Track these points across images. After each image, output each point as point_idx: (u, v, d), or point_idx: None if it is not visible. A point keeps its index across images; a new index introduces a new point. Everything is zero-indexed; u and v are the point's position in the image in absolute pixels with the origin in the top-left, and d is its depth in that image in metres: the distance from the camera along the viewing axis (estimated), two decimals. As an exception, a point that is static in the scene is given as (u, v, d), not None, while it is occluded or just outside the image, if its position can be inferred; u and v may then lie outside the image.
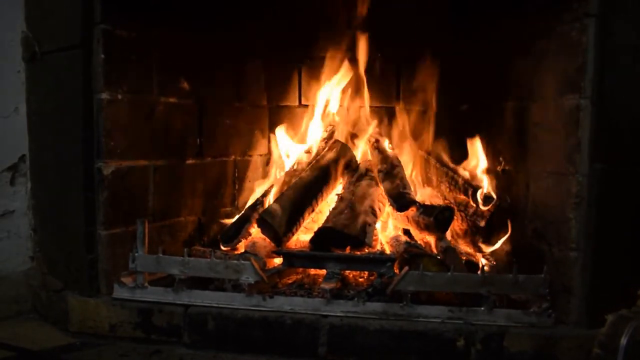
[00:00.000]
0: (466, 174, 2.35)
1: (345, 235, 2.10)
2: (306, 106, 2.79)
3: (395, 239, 2.25)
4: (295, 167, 2.55)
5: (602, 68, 1.69)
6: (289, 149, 2.69)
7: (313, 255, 2.06)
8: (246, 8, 2.35)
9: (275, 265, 2.12)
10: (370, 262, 1.97)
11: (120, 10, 1.92)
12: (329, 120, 2.71)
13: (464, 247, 2.25)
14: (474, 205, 2.23)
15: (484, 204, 2.16)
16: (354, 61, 2.63)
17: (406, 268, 1.83)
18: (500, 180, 2.22)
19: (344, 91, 2.70)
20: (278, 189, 2.44)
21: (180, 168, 2.25)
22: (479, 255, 2.15)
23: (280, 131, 2.70)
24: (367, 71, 2.66)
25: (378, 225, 2.34)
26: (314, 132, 2.69)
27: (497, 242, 2.12)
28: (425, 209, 2.20)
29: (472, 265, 2.08)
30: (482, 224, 2.15)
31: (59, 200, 2.08)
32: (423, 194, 2.49)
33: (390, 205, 2.27)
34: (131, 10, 1.95)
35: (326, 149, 2.52)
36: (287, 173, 2.53)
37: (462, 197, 2.30)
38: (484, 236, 2.15)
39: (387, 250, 2.19)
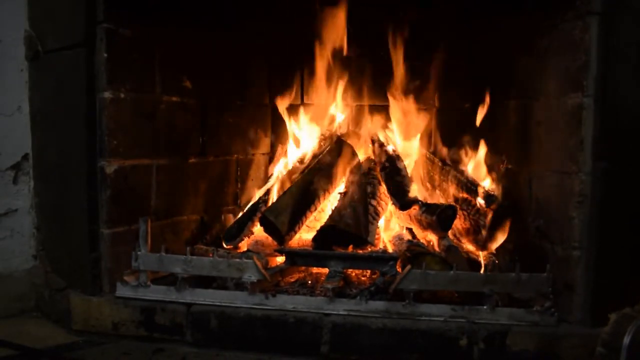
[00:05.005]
0: (469, 173, 2.35)
1: (348, 234, 2.10)
2: (308, 105, 2.78)
3: (398, 237, 2.25)
4: (297, 165, 2.54)
5: (605, 66, 1.68)
6: (292, 147, 2.68)
7: (315, 253, 2.06)
8: (249, 7, 2.35)
9: (278, 263, 2.12)
10: (372, 261, 1.97)
11: (122, 9, 1.92)
12: (331, 119, 2.70)
13: (467, 245, 2.25)
14: (477, 203, 2.23)
15: (487, 203, 2.16)
16: (355, 60, 2.63)
17: (408, 267, 1.83)
18: (502, 179, 2.22)
19: (346, 90, 2.69)
20: (280, 187, 2.44)
21: (182, 167, 2.25)
22: (481, 253, 2.15)
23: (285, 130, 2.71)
24: (369, 69, 2.66)
25: (380, 224, 2.34)
26: (316, 131, 2.69)
27: (499, 240, 2.12)
28: (428, 208, 2.19)
29: (475, 264, 2.08)
30: (485, 222, 2.15)
31: (62, 198, 2.08)
32: (425, 193, 2.49)
33: (393, 203, 2.27)
34: (134, 9, 1.96)
35: (328, 147, 2.52)
36: (289, 172, 2.53)
37: (465, 195, 2.30)
38: (486, 235, 2.14)
39: (390, 249, 2.19)
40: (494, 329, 1.74)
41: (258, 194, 2.53)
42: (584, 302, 1.74)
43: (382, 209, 2.31)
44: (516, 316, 1.77)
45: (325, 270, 2.02)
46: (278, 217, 2.19)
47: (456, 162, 2.43)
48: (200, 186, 2.35)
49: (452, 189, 2.38)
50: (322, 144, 2.61)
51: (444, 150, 2.54)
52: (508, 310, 1.79)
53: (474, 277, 1.83)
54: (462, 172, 2.36)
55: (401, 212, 2.29)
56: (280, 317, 1.82)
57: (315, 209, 2.37)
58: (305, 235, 2.38)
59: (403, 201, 2.21)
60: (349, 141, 2.58)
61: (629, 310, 1.50)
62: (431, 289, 1.84)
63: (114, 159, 1.95)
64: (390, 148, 2.49)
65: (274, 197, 2.40)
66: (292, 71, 2.79)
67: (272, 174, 2.67)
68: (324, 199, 2.41)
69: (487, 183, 2.25)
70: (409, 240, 2.18)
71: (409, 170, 2.44)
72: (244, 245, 2.31)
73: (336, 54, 2.61)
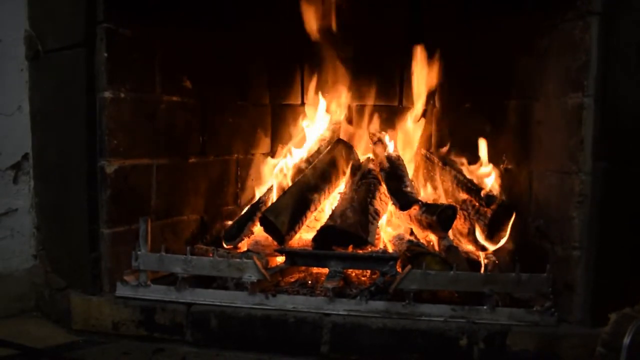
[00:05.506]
0: (469, 173, 2.35)
1: (348, 234, 2.10)
2: (308, 105, 2.78)
3: (398, 237, 2.25)
4: (297, 165, 2.54)
5: (605, 66, 1.68)
6: (292, 147, 2.69)
7: (315, 253, 2.06)
8: (249, 7, 2.35)
9: (278, 263, 2.12)
10: (372, 261, 1.97)
11: (123, 9, 1.92)
12: (331, 119, 2.71)
13: (467, 245, 2.25)
14: (477, 204, 2.23)
15: (487, 203, 2.16)
16: (356, 60, 2.63)
17: (409, 267, 1.83)
18: (503, 179, 2.22)
19: (346, 90, 2.69)
20: (280, 187, 2.44)
21: (182, 167, 2.25)
22: (481, 253, 2.15)
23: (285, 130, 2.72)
24: (370, 70, 2.66)
25: (381, 224, 2.34)
26: (317, 131, 2.69)
27: (499, 240, 2.12)
28: (428, 208, 2.19)
29: (475, 264, 2.08)
30: (485, 222, 2.15)
31: (62, 198, 2.08)
32: (425, 193, 2.49)
33: (393, 204, 2.27)
34: (134, 9, 1.96)
35: (328, 147, 2.52)
36: (289, 171, 2.53)
37: (465, 195, 2.30)
38: (486, 235, 2.14)
39: (390, 249, 2.19)
40: (494, 329, 1.74)
41: (258, 194, 2.53)
42: (584, 302, 1.74)
43: (382, 209, 2.30)
44: (516, 316, 1.77)
45: (325, 270, 2.02)
46: (278, 217, 2.19)
47: (456, 162, 2.43)
48: (200, 186, 2.35)
49: (452, 189, 2.38)
50: (322, 143, 2.61)
51: (443, 150, 2.54)
52: (508, 310, 1.78)
53: (474, 277, 1.83)
54: (462, 172, 2.36)
55: (401, 212, 2.29)
56: (280, 317, 1.82)
57: (315, 209, 2.38)
58: (305, 235, 2.38)
59: (403, 201, 2.21)
60: (349, 141, 2.58)
61: (629, 310, 1.50)
62: (431, 289, 1.84)
63: (114, 159, 1.95)
64: (390, 148, 2.49)
65: (274, 197, 2.40)
66: (292, 71, 2.79)
67: (272, 174, 2.67)
68: (324, 199, 2.41)
69: (487, 183, 2.24)
70: (409, 240, 2.19)
71: (409, 171, 2.45)
72: (244, 245, 2.31)
73: (337, 54, 2.62)
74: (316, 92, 2.71)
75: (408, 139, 2.62)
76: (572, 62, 1.75)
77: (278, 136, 2.79)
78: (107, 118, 1.93)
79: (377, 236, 2.22)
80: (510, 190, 2.17)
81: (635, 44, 1.66)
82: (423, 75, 2.58)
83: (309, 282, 2.05)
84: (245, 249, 2.24)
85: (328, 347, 1.78)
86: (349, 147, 2.51)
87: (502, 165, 2.23)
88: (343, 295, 1.88)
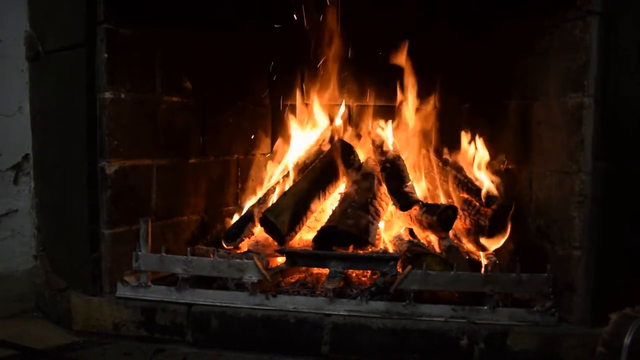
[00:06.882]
0: (469, 173, 2.35)
1: (348, 234, 2.10)
2: (309, 105, 2.78)
3: (398, 237, 2.25)
4: (298, 166, 2.54)
5: (605, 66, 1.68)
6: (292, 147, 2.68)
7: (316, 254, 2.06)
8: (249, 7, 2.35)
9: (278, 264, 2.12)
10: (373, 261, 1.97)
11: (123, 9, 1.92)
12: (332, 119, 2.70)
13: (467, 245, 2.25)
14: (477, 204, 2.23)
15: (487, 203, 2.16)
16: (357, 60, 2.63)
17: (409, 267, 1.83)
18: (503, 179, 2.22)
19: (347, 90, 2.69)
20: (281, 187, 2.44)
21: (183, 167, 2.25)
22: (482, 254, 2.15)
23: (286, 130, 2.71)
24: (370, 70, 2.66)
25: (381, 224, 2.34)
26: (317, 131, 2.69)
27: (500, 240, 2.12)
28: (428, 208, 2.20)
29: (475, 264, 2.08)
30: (485, 222, 2.15)
31: (63, 199, 2.08)
32: (426, 193, 2.49)
33: (393, 204, 2.27)
34: (134, 9, 1.96)
35: (329, 147, 2.52)
36: (289, 172, 2.53)
37: (465, 195, 2.30)
38: (487, 235, 2.14)
39: (390, 249, 2.19)
40: (495, 329, 1.74)
41: (258, 194, 2.53)
42: (584, 302, 1.74)
43: (383, 209, 2.30)
44: (517, 316, 1.77)
45: (326, 271, 2.01)
46: (278, 217, 2.19)
47: (456, 162, 2.42)
48: (200, 186, 2.35)
49: (452, 189, 2.38)
50: (323, 144, 2.61)
51: (444, 150, 2.54)
52: (509, 310, 1.79)
53: (474, 278, 1.83)
54: (462, 172, 2.36)
55: (402, 212, 2.29)
56: (281, 317, 1.82)
57: (316, 209, 2.37)
58: (305, 235, 2.38)
59: (403, 201, 2.21)
60: (349, 141, 2.58)
61: (629, 310, 1.50)
62: (432, 289, 1.84)
63: (114, 159, 1.95)
64: (390, 148, 2.49)
65: (274, 197, 2.40)
66: (292, 71, 2.79)
67: (272, 174, 2.67)
68: (325, 199, 2.41)
69: (487, 183, 2.24)
70: (409, 241, 2.18)
71: (410, 171, 2.44)
72: (244, 246, 2.31)
73: (338, 54, 2.61)
74: (316, 92, 2.71)
75: (408, 139, 2.62)
76: (572, 62, 1.75)
77: (278, 136, 2.79)
78: (108, 118, 1.93)
79: (377, 236, 2.22)
80: (510, 190, 2.16)
81: (635, 44, 1.66)
82: (423, 76, 2.58)
83: (310, 282, 2.05)
84: (245, 249, 2.24)
85: (328, 348, 1.78)
86: (349, 147, 2.51)
87: (502, 165, 2.23)
88: (343, 295, 1.88)
